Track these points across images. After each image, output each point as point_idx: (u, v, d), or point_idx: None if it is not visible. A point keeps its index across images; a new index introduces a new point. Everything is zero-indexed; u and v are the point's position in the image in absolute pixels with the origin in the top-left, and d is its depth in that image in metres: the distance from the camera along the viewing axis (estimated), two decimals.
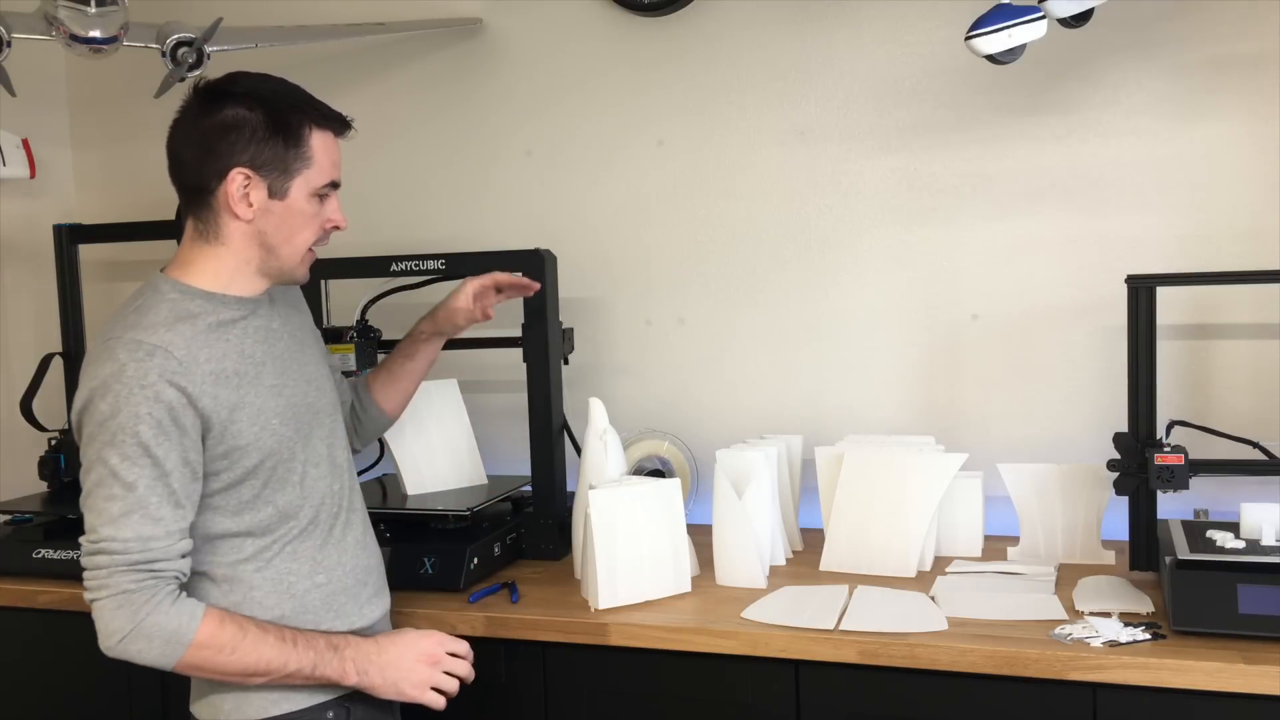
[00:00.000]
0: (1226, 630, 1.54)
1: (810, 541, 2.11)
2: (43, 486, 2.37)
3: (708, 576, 1.92)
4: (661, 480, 1.91)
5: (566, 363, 2.20)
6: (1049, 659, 1.53)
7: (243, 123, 1.46)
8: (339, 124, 1.55)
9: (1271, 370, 2.06)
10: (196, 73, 2.16)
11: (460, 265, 2.16)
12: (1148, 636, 1.57)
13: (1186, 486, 1.70)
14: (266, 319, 1.56)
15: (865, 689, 1.65)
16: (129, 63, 2.29)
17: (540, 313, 2.08)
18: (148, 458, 1.38)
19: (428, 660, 1.57)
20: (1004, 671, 1.56)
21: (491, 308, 1.94)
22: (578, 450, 2.14)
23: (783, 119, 2.32)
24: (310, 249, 1.56)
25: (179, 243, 1.54)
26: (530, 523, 2.11)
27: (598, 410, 2.00)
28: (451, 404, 2.23)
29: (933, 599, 1.78)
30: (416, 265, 2.14)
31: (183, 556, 1.43)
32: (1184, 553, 1.63)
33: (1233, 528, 1.72)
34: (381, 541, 1.77)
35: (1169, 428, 1.83)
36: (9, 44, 2.07)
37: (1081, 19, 1.89)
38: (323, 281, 2.24)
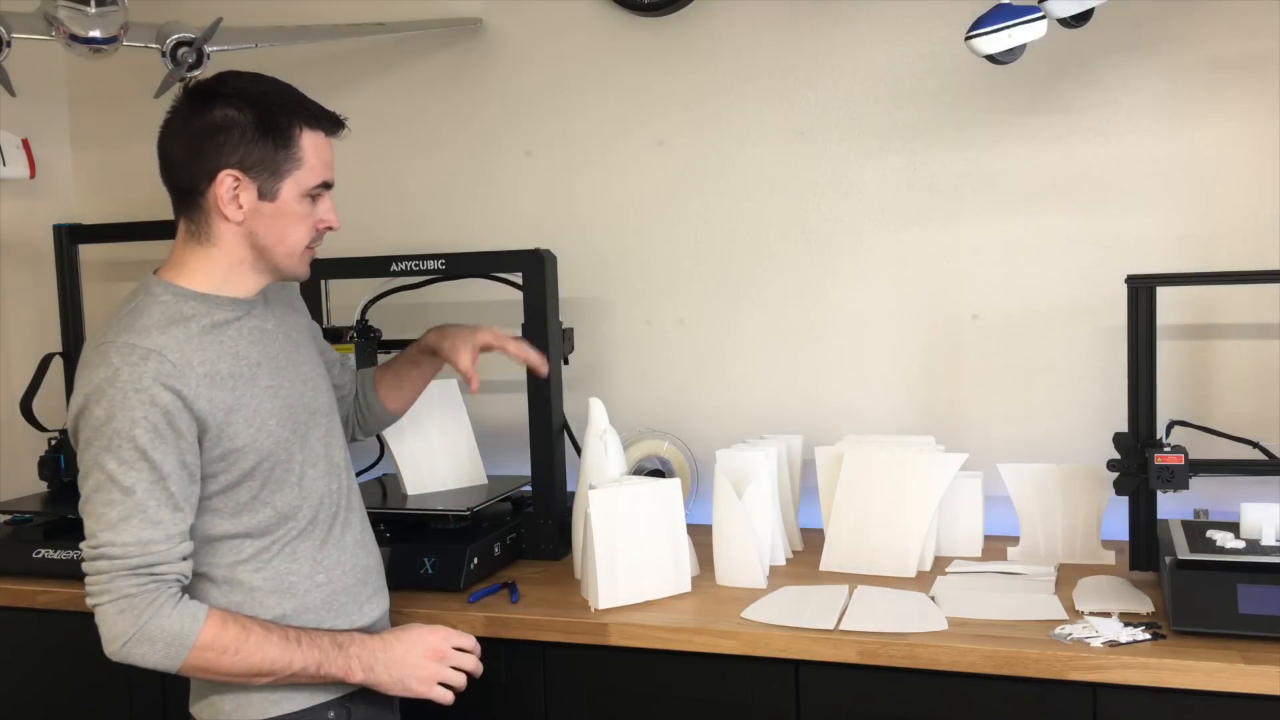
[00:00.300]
0: (1226, 630, 1.54)
1: (810, 541, 2.11)
2: (43, 486, 2.37)
3: (708, 576, 1.92)
4: (661, 480, 1.90)
5: (566, 363, 2.20)
6: (1049, 659, 1.53)
7: (232, 124, 1.45)
8: (331, 124, 1.54)
9: (1271, 370, 2.06)
10: (196, 73, 2.17)
11: (460, 265, 2.16)
12: (1148, 636, 1.57)
13: (1186, 486, 1.70)
14: (261, 320, 1.55)
15: (865, 689, 1.65)
16: (129, 63, 2.29)
17: (540, 313, 2.08)
18: (145, 461, 1.38)
19: (434, 655, 1.57)
20: (1004, 671, 1.56)
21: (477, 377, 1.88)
22: (578, 450, 2.14)
23: (783, 119, 2.32)
24: (308, 247, 1.55)
25: None
26: (530, 523, 2.11)
27: (598, 410, 2.00)
28: (451, 404, 2.23)
29: (933, 599, 1.78)
30: (416, 265, 2.13)
31: (183, 559, 1.43)
32: (1184, 553, 1.63)
33: (1233, 528, 1.72)
34: (381, 541, 1.77)
35: (1169, 428, 1.83)
36: (9, 44, 2.07)
37: (1081, 19, 1.89)
38: (323, 281, 2.24)
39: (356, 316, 2.23)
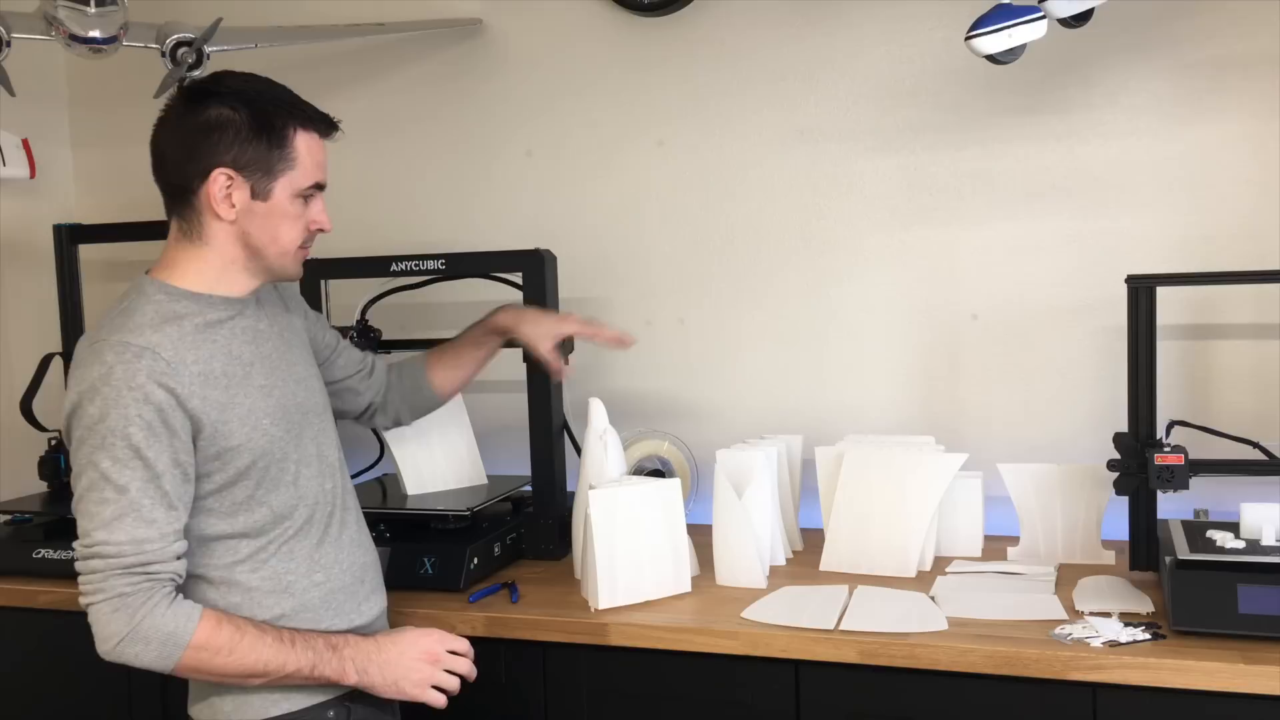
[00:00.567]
0: (1226, 630, 1.54)
1: (810, 541, 2.11)
2: (43, 486, 2.37)
3: (708, 576, 1.92)
4: (661, 480, 1.91)
5: (566, 363, 2.20)
6: (1049, 659, 1.53)
7: (226, 123, 1.45)
8: (325, 125, 1.54)
9: (1271, 370, 2.06)
10: (196, 73, 2.17)
11: (460, 265, 2.16)
12: (1148, 636, 1.57)
13: (1186, 486, 1.70)
14: (254, 319, 1.55)
15: (865, 689, 1.65)
16: (129, 63, 2.29)
17: None
18: (139, 460, 1.38)
19: (428, 658, 1.56)
20: (1004, 671, 1.56)
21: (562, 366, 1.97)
22: (578, 450, 2.14)
23: (783, 119, 2.32)
24: (301, 247, 1.55)
25: None
26: (530, 523, 2.11)
27: (598, 410, 2.00)
28: (451, 404, 2.22)
29: (933, 599, 1.78)
30: (416, 265, 2.13)
31: (178, 558, 1.42)
32: (1184, 553, 1.63)
33: (1233, 528, 1.72)
34: (381, 541, 1.77)
35: (1169, 428, 1.83)
36: (9, 44, 2.07)
37: (1081, 19, 1.89)
38: (323, 281, 2.24)
39: (356, 316, 2.23)
